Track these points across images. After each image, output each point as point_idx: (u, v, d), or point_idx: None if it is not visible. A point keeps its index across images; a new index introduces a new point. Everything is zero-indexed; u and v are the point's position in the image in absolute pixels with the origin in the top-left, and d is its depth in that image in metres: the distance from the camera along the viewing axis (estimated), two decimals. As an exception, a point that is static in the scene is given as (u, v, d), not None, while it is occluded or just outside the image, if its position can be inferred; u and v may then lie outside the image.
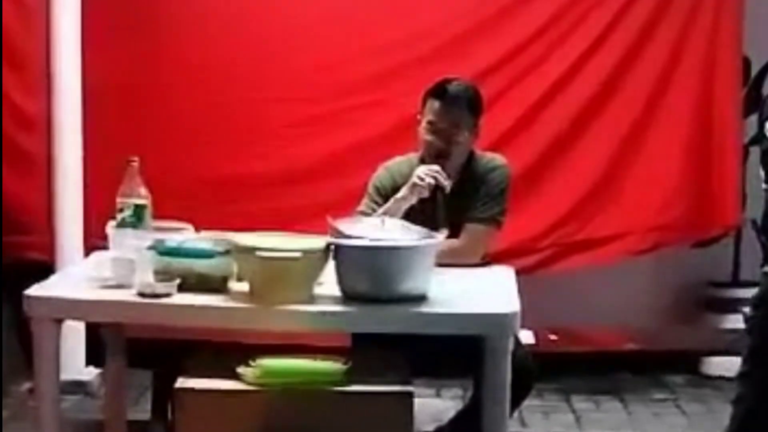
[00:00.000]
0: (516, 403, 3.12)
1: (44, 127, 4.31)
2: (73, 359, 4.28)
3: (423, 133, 3.46)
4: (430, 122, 3.43)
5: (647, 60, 4.47)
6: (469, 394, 3.57)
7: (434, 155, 3.42)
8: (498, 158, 3.52)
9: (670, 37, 4.47)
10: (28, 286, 2.85)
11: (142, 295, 2.77)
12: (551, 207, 4.49)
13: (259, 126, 4.51)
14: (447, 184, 3.34)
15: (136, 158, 2.93)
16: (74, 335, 4.24)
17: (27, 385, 4.13)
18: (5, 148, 4.34)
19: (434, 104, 3.43)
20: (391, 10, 4.49)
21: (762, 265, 3.04)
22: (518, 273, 3.27)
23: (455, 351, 3.00)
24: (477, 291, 2.99)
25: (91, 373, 4.42)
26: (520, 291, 2.97)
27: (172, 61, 4.48)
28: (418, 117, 3.49)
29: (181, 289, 2.79)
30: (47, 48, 4.26)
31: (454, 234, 3.25)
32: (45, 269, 3.76)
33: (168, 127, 4.47)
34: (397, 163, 3.55)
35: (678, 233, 4.55)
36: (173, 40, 4.48)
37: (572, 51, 4.47)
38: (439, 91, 3.44)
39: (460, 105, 3.42)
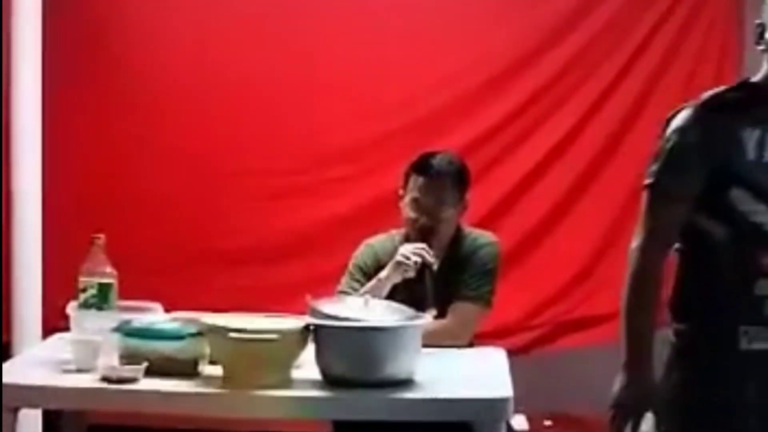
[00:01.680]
0: (508, 497, 3.11)
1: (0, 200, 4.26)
2: (28, 450, 4.23)
3: (407, 211, 3.47)
4: (414, 199, 3.45)
5: (641, 132, 4.43)
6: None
7: (420, 233, 3.43)
8: (487, 235, 3.55)
9: (666, 102, 4.50)
10: (-20, 370, 2.80)
11: (106, 380, 2.75)
12: (544, 284, 4.49)
13: (230, 199, 4.51)
14: (434, 261, 3.35)
15: (101, 236, 2.93)
16: (30, 423, 4.15)
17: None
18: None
19: (418, 180, 3.45)
20: (372, 77, 4.51)
21: None
22: (511, 353, 3.27)
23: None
24: (466, 374, 2.99)
25: (48, 465, 4.36)
26: (512, 371, 2.97)
27: (140, 127, 4.47)
28: (401, 192, 3.51)
29: (149, 373, 2.77)
30: (5, 118, 4.22)
31: (441, 314, 3.26)
32: (1, 351, 3.74)
33: (135, 199, 4.45)
34: (380, 240, 3.56)
35: None
36: (140, 102, 4.48)
37: (564, 121, 4.50)
38: (422, 166, 3.47)
39: (446, 180, 3.45)
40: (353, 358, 2.75)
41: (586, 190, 4.53)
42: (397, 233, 3.56)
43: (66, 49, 4.39)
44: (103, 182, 4.46)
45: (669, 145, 2.51)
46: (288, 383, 2.76)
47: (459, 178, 3.49)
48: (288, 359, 2.78)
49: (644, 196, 2.55)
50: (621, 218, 4.48)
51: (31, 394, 2.82)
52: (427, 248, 3.36)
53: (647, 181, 2.54)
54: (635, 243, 2.53)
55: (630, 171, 4.47)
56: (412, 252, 3.34)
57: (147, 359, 2.79)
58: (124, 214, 4.37)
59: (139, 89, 4.50)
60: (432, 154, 3.51)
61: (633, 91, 4.51)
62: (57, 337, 3.16)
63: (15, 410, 2.78)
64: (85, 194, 4.43)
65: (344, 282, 3.50)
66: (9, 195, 4.25)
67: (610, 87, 4.51)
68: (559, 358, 4.56)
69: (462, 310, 3.40)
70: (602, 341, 4.47)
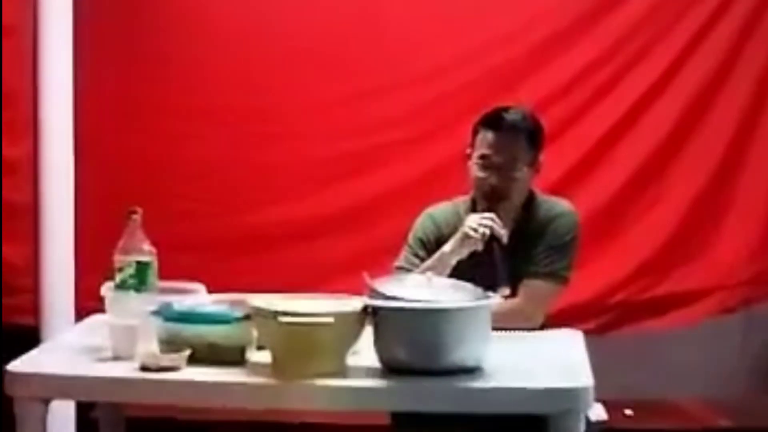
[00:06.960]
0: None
1: (30, 172, 4.31)
2: (61, 444, 4.28)
3: (474, 170, 3.45)
4: (482, 156, 3.43)
5: (732, 89, 4.44)
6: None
7: (488, 194, 3.41)
8: (563, 203, 3.52)
9: (760, 56, 4.46)
10: (9, 356, 2.82)
11: (144, 369, 2.75)
12: (623, 258, 4.47)
13: (276, 168, 4.52)
14: (504, 233, 3.31)
15: (138, 209, 2.92)
16: (62, 415, 4.21)
17: (9, 475, 4.13)
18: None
19: (487, 135, 3.43)
20: (431, 30, 4.49)
21: None
22: (585, 335, 3.23)
23: (515, 432, 2.97)
24: (541, 361, 2.94)
25: (82, 461, 4.41)
26: (589, 357, 2.94)
27: (176, 96, 4.50)
28: (468, 151, 3.49)
29: (192, 361, 2.77)
30: (35, 85, 4.28)
31: (513, 293, 3.25)
32: (30, 336, 3.78)
33: (173, 171, 4.50)
34: (442, 209, 3.55)
35: None
36: (176, 73, 4.52)
37: (648, 75, 4.46)
38: (493, 120, 3.45)
39: (518, 136, 3.43)
40: (415, 343, 2.72)
41: (670, 156, 4.48)
42: (461, 201, 3.54)
43: (99, 11, 4.42)
44: (139, 155, 4.50)
45: None
46: (343, 371, 2.75)
47: (532, 135, 3.47)
48: (344, 345, 2.76)
49: None
50: (711, 186, 4.47)
51: (62, 385, 2.81)
52: (495, 218, 3.33)
53: None
54: None
55: (724, 133, 4.45)
56: (479, 222, 3.31)
57: (190, 346, 2.78)
58: (162, 188, 4.42)
59: (176, 49, 4.52)
60: (504, 108, 3.49)
61: (729, 33, 4.45)
62: (91, 321, 3.17)
63: (46, 401, 2.78)
64: (120, 166, 4.47)
65: (403, 257, 3.50)
66: (39, 166, 4.30)
67: (697, 37, 4.45)
68: (639, 339, 4.53)
69: (534, 289, 3.37)
70: (684, 323, 4.47)
